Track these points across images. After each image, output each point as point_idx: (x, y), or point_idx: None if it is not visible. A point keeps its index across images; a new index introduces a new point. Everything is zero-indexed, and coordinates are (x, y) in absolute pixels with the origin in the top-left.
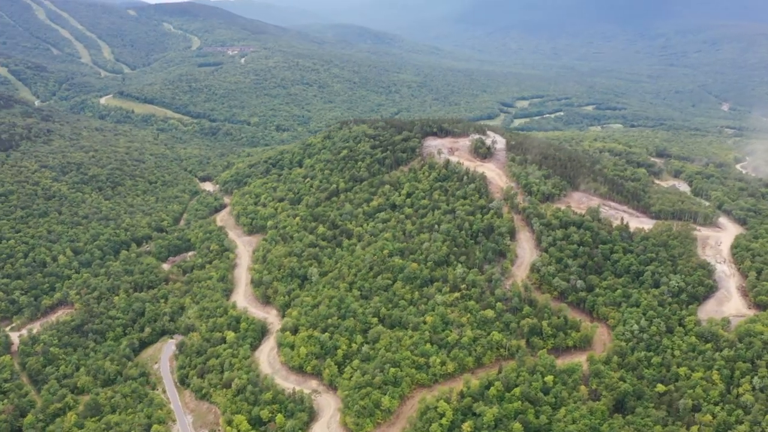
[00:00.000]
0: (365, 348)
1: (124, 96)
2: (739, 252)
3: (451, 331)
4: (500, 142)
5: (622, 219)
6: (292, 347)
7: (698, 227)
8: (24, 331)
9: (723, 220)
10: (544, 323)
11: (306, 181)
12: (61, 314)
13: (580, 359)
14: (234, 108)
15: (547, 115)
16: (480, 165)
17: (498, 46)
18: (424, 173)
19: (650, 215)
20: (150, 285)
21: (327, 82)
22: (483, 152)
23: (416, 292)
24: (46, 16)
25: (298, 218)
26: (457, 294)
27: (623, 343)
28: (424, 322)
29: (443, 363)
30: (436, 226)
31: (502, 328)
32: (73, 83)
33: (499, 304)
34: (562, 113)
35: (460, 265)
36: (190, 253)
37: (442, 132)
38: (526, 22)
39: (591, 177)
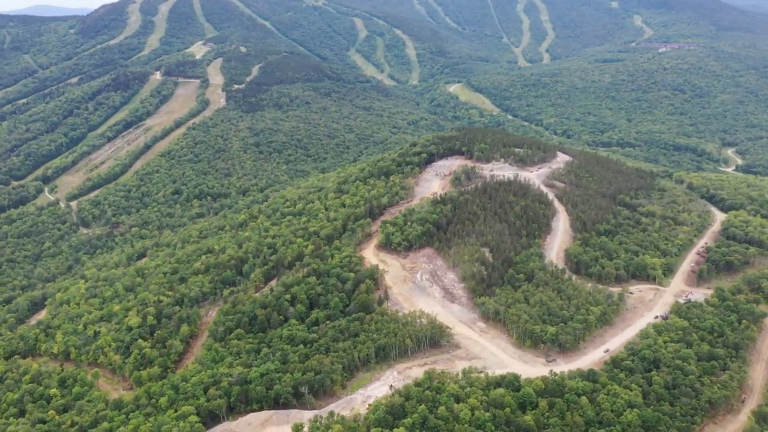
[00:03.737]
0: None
1: (468, 85)
2: None
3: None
4: (489, 177)
5: (384, 291)
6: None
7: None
8: (84, 233)
9: None
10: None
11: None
12: (111, 229)
13: None
14: (549, 107)
15: None
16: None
17: None
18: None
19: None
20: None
21: (712, 91)
22: (462, 183)
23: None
24: (522, 7)
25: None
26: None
27: None
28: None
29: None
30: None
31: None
32: (455, 68)
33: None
34: None
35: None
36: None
37: (467, 153)
38: None
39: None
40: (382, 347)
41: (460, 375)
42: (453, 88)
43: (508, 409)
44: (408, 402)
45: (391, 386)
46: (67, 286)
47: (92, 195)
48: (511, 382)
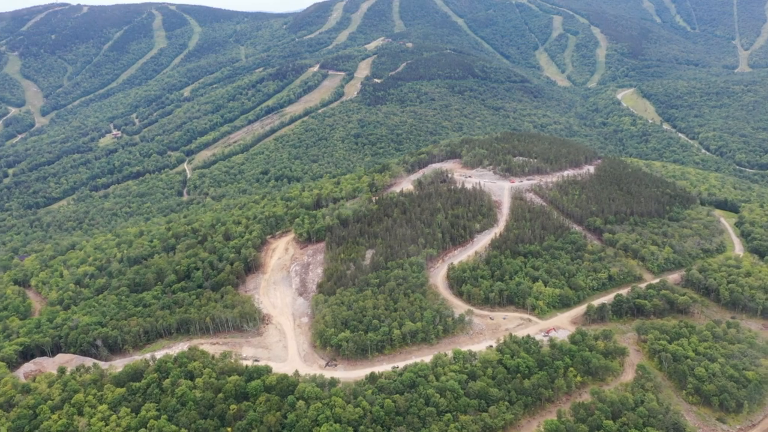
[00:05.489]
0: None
1: (639, 90)
2: None
3: None
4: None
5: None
6: None
7: None
8: (177, 199)
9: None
10: None
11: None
12: (195, 197)
13: None
14: (719, 119)
15: None
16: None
17: None
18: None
19: None
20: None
21: None
22: (423, 185)
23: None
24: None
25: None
26: None
27: None
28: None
29: None
30: None
31: None
32: (643, 71)
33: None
34: None
35: None
36: None
37: (462, 158)
38: None
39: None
40: (185, 321)
41: (217, 357)
42: (622, 94)
43: (222, 395)
44: (147, 369)
45: (165, 354)
46: (97, 235)
47: (207, 169)
48: (251, 374)
